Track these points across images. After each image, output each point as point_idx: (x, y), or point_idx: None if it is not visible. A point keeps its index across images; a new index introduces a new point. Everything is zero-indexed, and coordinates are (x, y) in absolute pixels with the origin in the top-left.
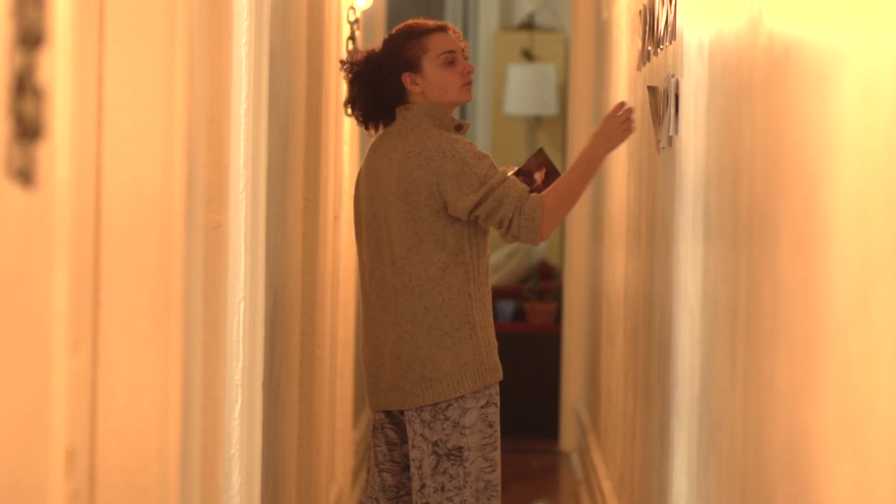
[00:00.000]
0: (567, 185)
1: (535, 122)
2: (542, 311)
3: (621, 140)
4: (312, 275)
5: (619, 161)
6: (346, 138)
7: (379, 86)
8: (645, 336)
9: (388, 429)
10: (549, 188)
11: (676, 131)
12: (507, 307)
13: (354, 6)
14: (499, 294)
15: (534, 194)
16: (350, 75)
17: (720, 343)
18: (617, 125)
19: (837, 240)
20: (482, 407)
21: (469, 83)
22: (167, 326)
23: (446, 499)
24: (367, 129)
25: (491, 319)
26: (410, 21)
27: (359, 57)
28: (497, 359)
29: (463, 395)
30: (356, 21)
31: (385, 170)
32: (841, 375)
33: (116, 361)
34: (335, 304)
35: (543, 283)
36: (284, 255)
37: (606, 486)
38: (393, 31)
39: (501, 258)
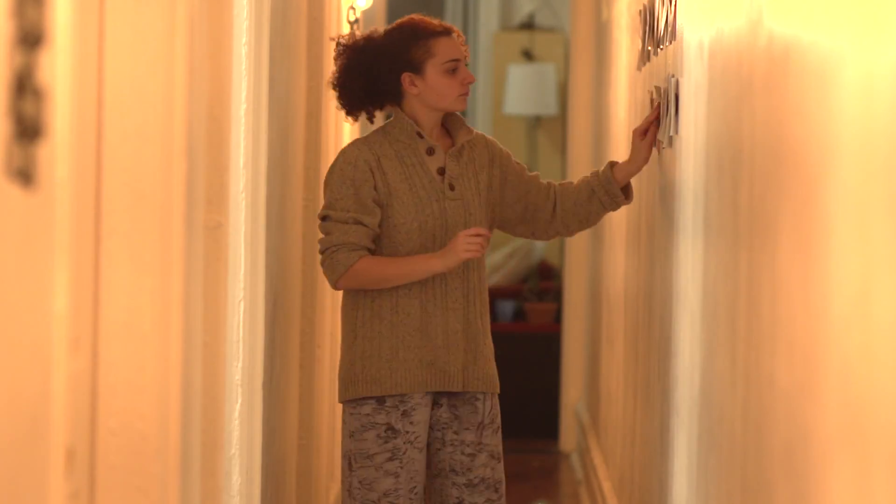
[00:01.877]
0: (383, 270)
1: (535, 122)
2: (542, 311)
3: (460, 260)
4: (312, 275)
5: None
6: (345, 138)
7: (375, 78)
8: (645, 336)
9: None
10: (373, 260)
11: (676, 131)
12: (507, 307)
13: (354, 6)
14: (499, 294)
15: (359, 252)
16: (343, 58)
17: (720, 343)
18: (463, 241)
19: (837, 240)
20: (366, 415)
21: (466, 93)
22: (167, 326)
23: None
24: (347, 115)
25: (386, 331)
26: (416, 17)
27: (357, 40)
28: (379, 373)
29: (349, 400)
30: (356, 21)
31: None
32: (841, 375)
33: (116, 361)
34: (335, 304)
35: (543, 283)
36: (284, 255)
37: (606, 486)
38: (397, 24)
39: (501, 258)
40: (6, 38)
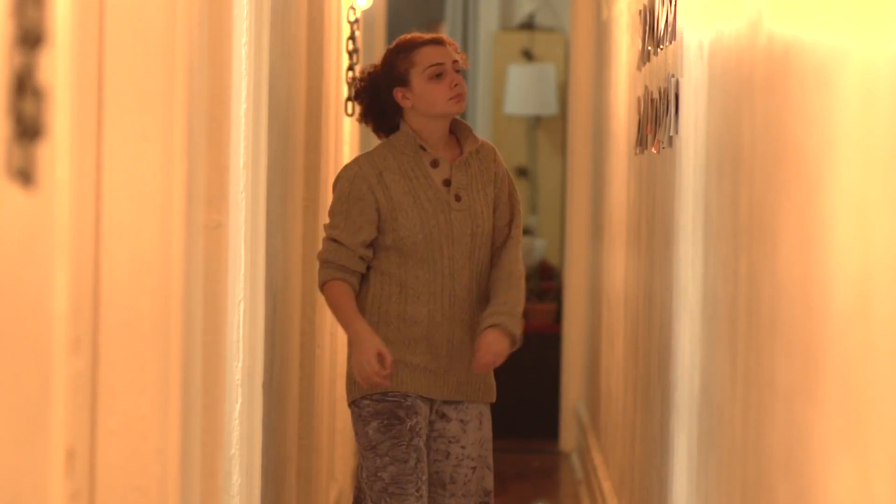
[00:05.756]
0: (334, 305)
1: (535, 122)
2: (542, 311)
3: (358, 368)
4: (312, 275)
5: (619, 161)
6: (346, 138)
7: (378, 101)
8: (645, 336)
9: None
10: (337, 290)
11: (676, 131)
12: None
13: (354, 6)
14: None
15: (334, 273)
16: (355, 91)
17: (720, 343)
18: (367, 368)
19: (837, 240)
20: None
21: (458, 95)
22: (167, 326)
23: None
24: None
25: (392, 336)
26: (407, 35)
27: (363, 73)
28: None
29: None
30: (356, 21)
31: None
32: (841, 375)
33: (116, 361)
34: None
35: (543, 283)
36: (284, 255)
37: (606, 486)
38: (390, 45)
39: None
40: (6, 38)
